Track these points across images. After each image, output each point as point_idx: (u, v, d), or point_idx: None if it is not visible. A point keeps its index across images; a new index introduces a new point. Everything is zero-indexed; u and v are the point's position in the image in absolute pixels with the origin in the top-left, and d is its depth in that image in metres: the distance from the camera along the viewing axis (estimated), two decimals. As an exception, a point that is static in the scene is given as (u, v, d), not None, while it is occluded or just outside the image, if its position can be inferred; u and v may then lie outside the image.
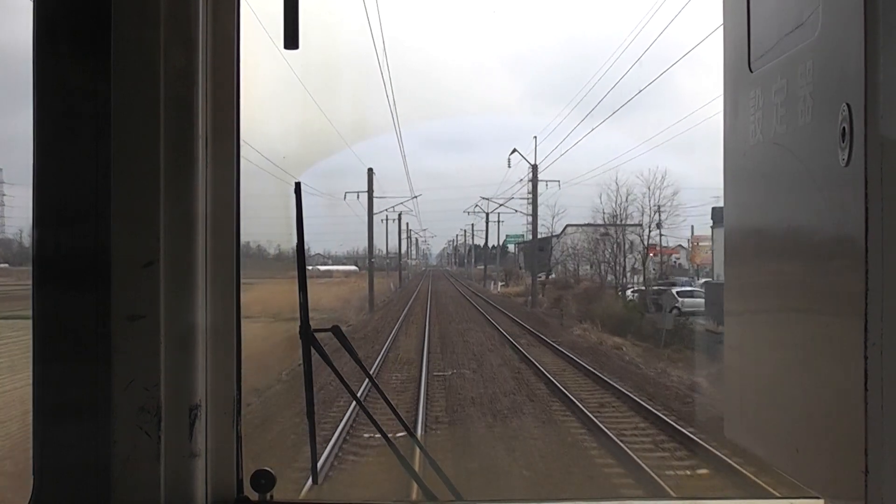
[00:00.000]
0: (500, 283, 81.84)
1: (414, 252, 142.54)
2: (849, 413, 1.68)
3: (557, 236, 74.11)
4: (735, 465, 12.65)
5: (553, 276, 77.83)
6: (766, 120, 2.11)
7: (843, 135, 1.70)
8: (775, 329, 2.10)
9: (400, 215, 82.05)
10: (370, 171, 54.46)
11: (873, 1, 1.65)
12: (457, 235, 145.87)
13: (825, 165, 1.79)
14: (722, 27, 2.43)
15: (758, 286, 2.25)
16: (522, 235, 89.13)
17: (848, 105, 1.69)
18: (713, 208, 42.10)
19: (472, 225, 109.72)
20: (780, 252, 2.08)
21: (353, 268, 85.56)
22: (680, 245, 59.43)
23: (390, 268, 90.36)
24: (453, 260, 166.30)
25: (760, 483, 11.43)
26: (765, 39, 2.15)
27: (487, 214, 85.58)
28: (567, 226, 67.76)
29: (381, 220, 77.26)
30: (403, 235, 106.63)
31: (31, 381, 2.09)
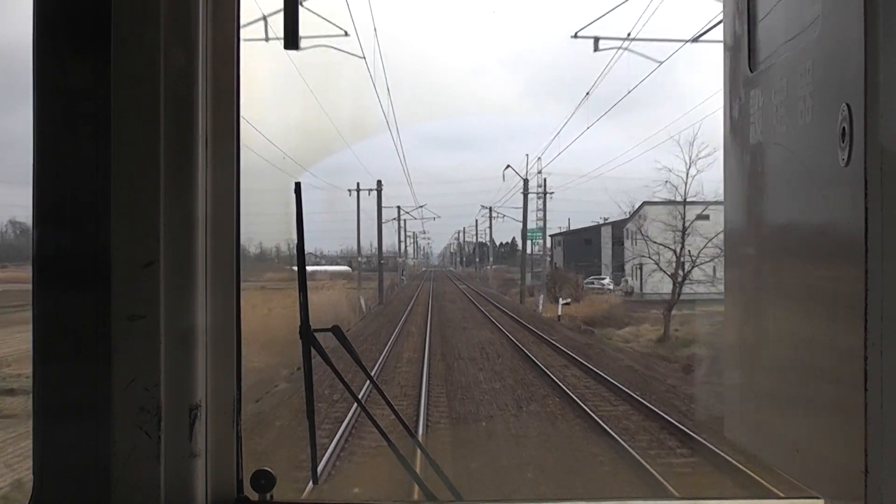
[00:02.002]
0: (561, 300, 45.43)
1: (410, 248, 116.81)
2: (849, 413, 1.68)
3: (622, 221, 48.95)
4: None
5: (613, 284, 52.37)
6: (767, 120, 2.11)
7: (843, 135, 1.70)
8: (775, 329, 2.10)
9: (379, 185, 59.40)
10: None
11: (873, 1, 1.64)
12: (464, 228, 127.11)
13: (825, 165, 1.79)
14: (722, 27, 2.43)
15: (758, 286, 2.25)
16: (541, 231, 70.30)
17: (848, 105, 1.69)
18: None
19: (490, 209, 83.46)
20: (779, 252, 2.08)
21: (344, 268, 70.58)
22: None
23: (364, 269, 65.09)
24: (457, 259, 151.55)
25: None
26: (765, 40, 2.15)
27: (526, 182, 57.69)
28: (644, 203, 42.76)
29: (349, 191, 59.39)
30: (392, 221, 77.29)
31: (31, 380, 2.09)
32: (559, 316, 42.64)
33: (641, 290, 39.02)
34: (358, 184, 60.47)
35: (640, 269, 38.99)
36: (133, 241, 2.09)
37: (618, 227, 53.37)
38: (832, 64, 1.79)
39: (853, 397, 1.66)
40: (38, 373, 2.08)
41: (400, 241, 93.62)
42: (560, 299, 45.67)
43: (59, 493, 2.08)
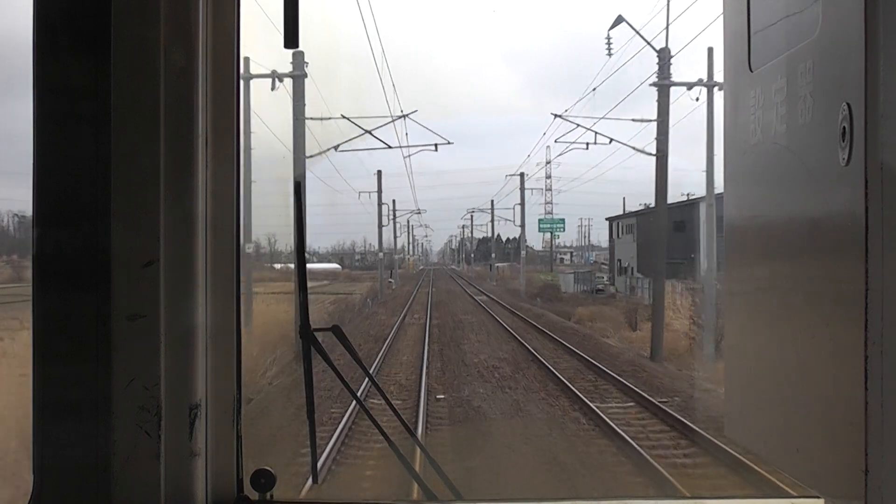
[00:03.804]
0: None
1: (404, 239, 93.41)
2: (849, 413, 1.68)
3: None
4: None
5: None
6: (767, 119, 2.11)
7: (844, 134, 1.71)
8: (775, 329, 2.11)
9: (295, 57, 24.87)
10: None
11: (873, 1, 1.65)
12: (471, 215, 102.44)
13: (825, 165, 1.79)
14: (722, 26, 2.43)
15: (758, 286, 2.25)
16: (563, 221, 56.84)
17: (848, 105, 1.69)
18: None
19: (522, 174, 61.80)
20: (780, 252, 2.08)
21: (334, 266, 63.76)
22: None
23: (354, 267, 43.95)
24: (459, 256, 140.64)
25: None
26: (765, 39, 2.15)
27: (666, 58, 27.09)
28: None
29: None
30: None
31: (31, 380, 2.09)
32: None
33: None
34: (290, 101, 27.10)
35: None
36: (133, 241, 2.09)
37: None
38: (832, 63, 1.79)
39: (853, 397, 1.66)
40: (38, 372, 2.08)
41: (380, 225, 63.74)
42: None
43: (59, 493, 2.08)
